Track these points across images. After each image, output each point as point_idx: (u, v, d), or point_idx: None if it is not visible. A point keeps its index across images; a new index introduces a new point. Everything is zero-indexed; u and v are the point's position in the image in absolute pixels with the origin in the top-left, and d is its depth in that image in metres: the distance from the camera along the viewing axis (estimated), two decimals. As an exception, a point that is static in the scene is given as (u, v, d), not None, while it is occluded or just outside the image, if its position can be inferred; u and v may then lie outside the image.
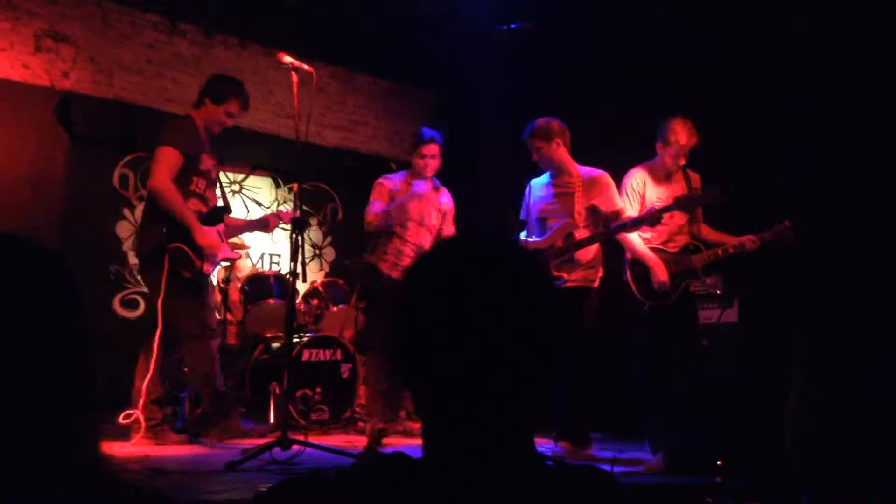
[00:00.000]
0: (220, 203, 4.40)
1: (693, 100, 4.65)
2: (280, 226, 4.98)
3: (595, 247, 4.28)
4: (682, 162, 4.26)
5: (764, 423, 3.23)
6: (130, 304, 6.20)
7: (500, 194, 4.57)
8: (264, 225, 4.66)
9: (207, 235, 4.08)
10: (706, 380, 3.89)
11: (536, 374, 0.84)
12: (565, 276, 4.17)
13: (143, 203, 4.29)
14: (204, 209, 4.20)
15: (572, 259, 4.20)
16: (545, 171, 4.45)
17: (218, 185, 4.40)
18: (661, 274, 4.15)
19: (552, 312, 0.86)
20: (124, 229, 6.23)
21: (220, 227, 4.29)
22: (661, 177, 4.33)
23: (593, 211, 4.26)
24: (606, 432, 5.08)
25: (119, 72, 5.89)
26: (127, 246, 6.23)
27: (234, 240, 5.82)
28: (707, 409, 3.68)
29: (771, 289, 4.56)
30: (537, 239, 4.34)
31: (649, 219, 4.03)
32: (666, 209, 4.03)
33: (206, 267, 4.10)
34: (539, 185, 4.47)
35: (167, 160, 4.00)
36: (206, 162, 4.22)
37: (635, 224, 4.09)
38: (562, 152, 4.32)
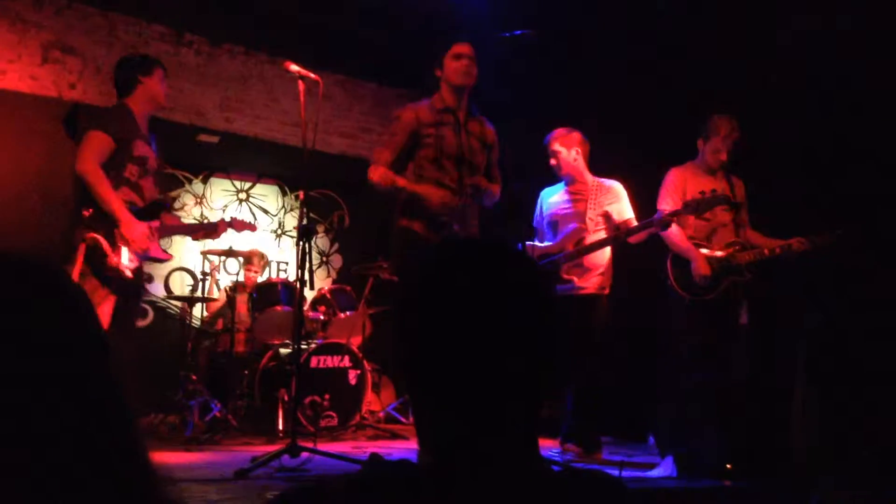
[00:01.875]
0: (161, 197, 4.09)
1: (712, 104, 4.64)
2: (240, 232, 4.68)
3: (606, 254, 4.29)
4: (723, 158, 4.26)
5: (773, 426, 3.22)
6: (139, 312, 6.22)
7: (504, 199, 4.54)
8: (212, 230, 4.38)
9: (135, 228, 3.73)
10: (715, 383, 3.88)
11: (539, 381, 0.84)
12: (576, 280, 4.18)
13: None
14: (138, 199, 3.86)
15: (581, 264, 4.22)
16: (561, 179, 4.47)
17: (155, 177, 4.01)
18: (702, 267, 4.12)
19: (553, 319, 0.86)
20: (132, 238, 6.26)
21: (155, 223, 3.95)
22: (703, 175, 4.32)
23: (606, 218, 4.30)
24: (618, 436, 5.07)
25: (126, 82, 5.92)
26: (135, 255, 6.26)
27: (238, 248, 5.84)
28: (716, 413, 3.67)
29: (781, 291, 4.54)
30: (549, 243, 4.36)
31: (657, 223, 4.03)
32: (674, 213, 4.01)
33: (121, 265, 3.69)
34: (552, 192, 4.52)
35: (94, 144, 3.73)
36: (141, 148, 3.89)
37: (642, 228, 4.11)
38: (579, 162, 4.38)
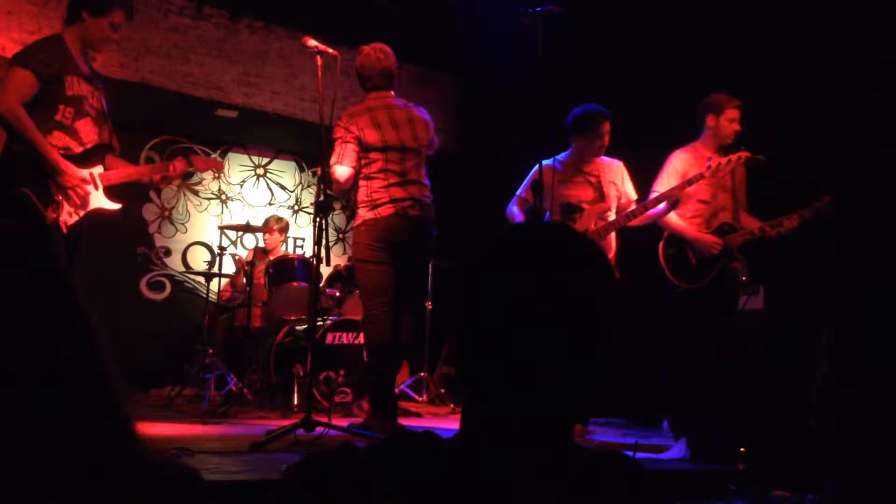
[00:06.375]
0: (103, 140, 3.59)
1: (726, 84, 4.58)
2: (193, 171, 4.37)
3: (613, 235, 4.30)
4: (738, 128, 4.17)
5: (788, 410, 3.21)
6: (157, 286, 6.28)
7: (522, 177, 4.52)
8: (164, 170, 3.83)
9: (73, 175, 3.38)
10: (730, 367, 3.87)
11: (589, 363, 0.83)
12: None
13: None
14: (74, 144, 3.45)
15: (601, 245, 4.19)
16: (564, 154, 4.38)
17: (102, 118, 3.59)
18: (702, 239, 4.09)
19: (612, 300, 0.85)
20: (150, 212, 6.30)
21: (97, 167, 3.54)
22: (708, 153, 4.20)
23: (619, 198, 4.34)
24: (629, 418, 5.08)
25: (145, 55, 5.93)
26: (153, 228, 6.30)
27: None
28: (731, 397, 3.66)
29: (798, 275, 4.50)
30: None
31: (668, 197, 4.03)
32: (689, 182, 3.99)
33: (60, 220, 3.36)
34: (555, 168, 4.32)
35: (15, 81, 3.31)
36: (77, 87, 3.46)
37: (657, 201, 4.09)
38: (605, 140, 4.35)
